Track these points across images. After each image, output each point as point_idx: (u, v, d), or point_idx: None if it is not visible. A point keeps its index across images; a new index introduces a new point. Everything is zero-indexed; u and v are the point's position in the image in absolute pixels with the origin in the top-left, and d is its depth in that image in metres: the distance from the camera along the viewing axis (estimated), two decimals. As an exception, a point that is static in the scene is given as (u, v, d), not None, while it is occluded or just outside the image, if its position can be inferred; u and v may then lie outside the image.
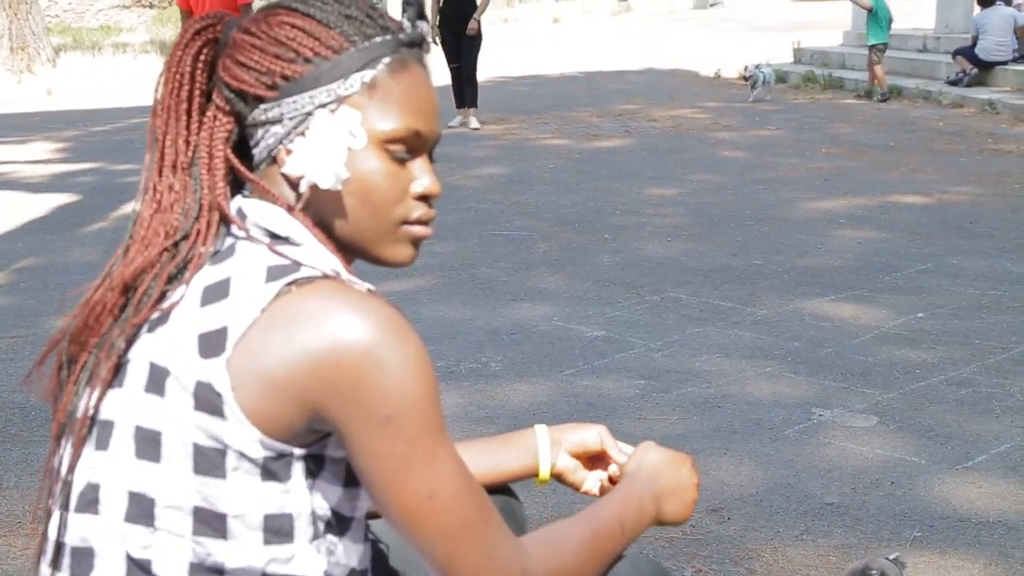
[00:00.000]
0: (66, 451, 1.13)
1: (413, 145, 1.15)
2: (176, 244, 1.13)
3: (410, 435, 1.04)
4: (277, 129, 1.13)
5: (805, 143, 8.68)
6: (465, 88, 9.93)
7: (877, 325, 4.26)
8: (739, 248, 5.52)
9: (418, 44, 1.17)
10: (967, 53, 11.24)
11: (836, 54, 13.50)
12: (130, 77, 14.83)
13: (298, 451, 1.07)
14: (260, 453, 1.05)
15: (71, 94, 13.74)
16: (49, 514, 1.14)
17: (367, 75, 1.12)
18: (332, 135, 1.11)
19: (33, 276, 5.32)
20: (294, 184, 1.14)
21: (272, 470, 1.06)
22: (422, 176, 1.16)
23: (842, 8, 16.81)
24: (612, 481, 1.46)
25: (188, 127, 1.16)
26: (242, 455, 1.05)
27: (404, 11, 1.19)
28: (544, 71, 14.62)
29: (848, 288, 4.77)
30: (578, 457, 1.47)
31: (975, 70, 11.16)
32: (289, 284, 1.06)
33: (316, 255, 1.11)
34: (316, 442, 1.08)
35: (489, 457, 1.46)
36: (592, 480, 1.48)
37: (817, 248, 5.50)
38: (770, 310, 4.48)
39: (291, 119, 1.13)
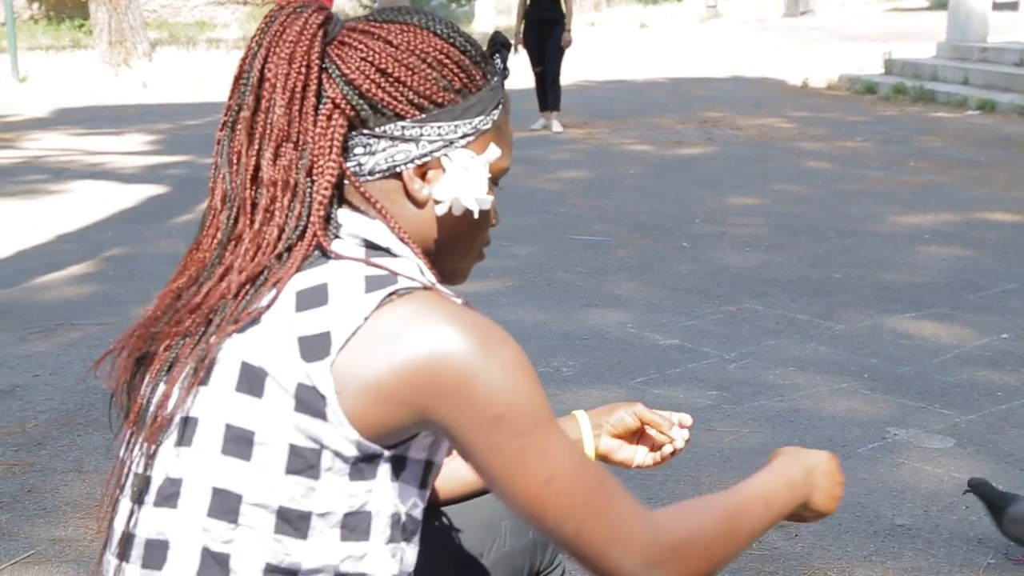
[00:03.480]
0: (139, 445, 1.14)
1: (501, 178, 1.24)
2: (280, 255, 1.12)
3: (521, 429, 1.08)
4: (410, 148, 1.16)
5: (893, 156, 8.53)
6: (548, 91, 9.94)
7: (958, 344, 4.17)
8: (819, 260, 5.45)
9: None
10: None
11: (928, 66, 13.24)
12: (223, 72, 15.14)
13: (387, 452, 1.10)
14: (353, 453, 1.08)
15: (165, 88, 14.07)
16: (116, 504, 1.16)
17: (496, 114, 1.21)
18: (479, 166, 1.18)
19: (121, 265, 5.47)
20: (418, 201, 1.17)
21: (360, 469, 1.09)
22: (496, 207, 1.26)
23: (937, 18, 16.48)
24: (660, 452, 1.51)
25: (301, 124, 1.14)
26: (337, 455, 1.08)
27: (497, 51, 1.24)
28: (629, 76, 14.57)
29: (930, 305, 4.69)
30: (620, 437, 1.52)
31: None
32: (390, 294, 1.08)
33: (413, 266, 1.14)
34: (402, 443, 1.11)
35: None
36: (642, 454, 1.52)
37: (900, 263, 5.41)
38: (848, 325, 4.42)
39: (431, 143, 1.16)
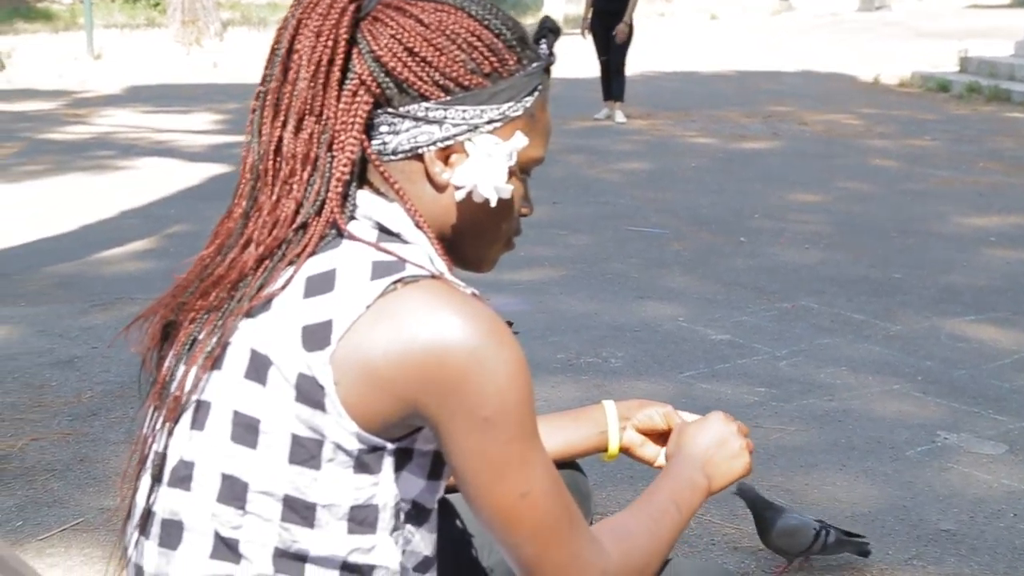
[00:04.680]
0: (159, 423, 1.15)
1: (534, 168, 1.21)
2: (297, 230, 1.11)
3: (506, 437, 1.07)
4: (433, 130, 1.13)
5: (963, 155, 8.38)
6: (613, 81, 9.89)
7: (1017, 350, 4.09)
8: (879, 260, 5.37)
9: (549, 72, 1.21)
10: None
11: (1005, 64, 12.94)
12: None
13: (391, 445, 1.09)
14: (355, 446, 1.07)
15: (236, 67, 14.23)
16: (138, 480, 1.18)
17: (529, 101, 1.17)
18: (501, 154, 1.14)
19: (182, 242, 5.56)
20: (438, 185, 1.15)
21: (364, 462, 1.08)
22: (529, 197, 1.24)
23: (1017, 16, 16.11)
24: None
25: (325, 98, 1.12)
26: (338, 447, 1.07)
27: (543, 36, 1.21)
28: (696, 68, 14.45)
29: (990, 309, 4.60)
30: (645, 433, 1.50)
31: None
32: (395, 282, 1.06)
33: (423, 255, 1.12)
34: (407, 436, 1.10)
35: (558, 433, 1.48)
36: (664, 456, 1.49)
37: (962, 265, 5.31)
38: (905, 326, 4.36)
39: (455, 126, 1.13)
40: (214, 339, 1.11)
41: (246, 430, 1.09)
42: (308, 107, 1.12)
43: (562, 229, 5.65)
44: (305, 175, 1.12)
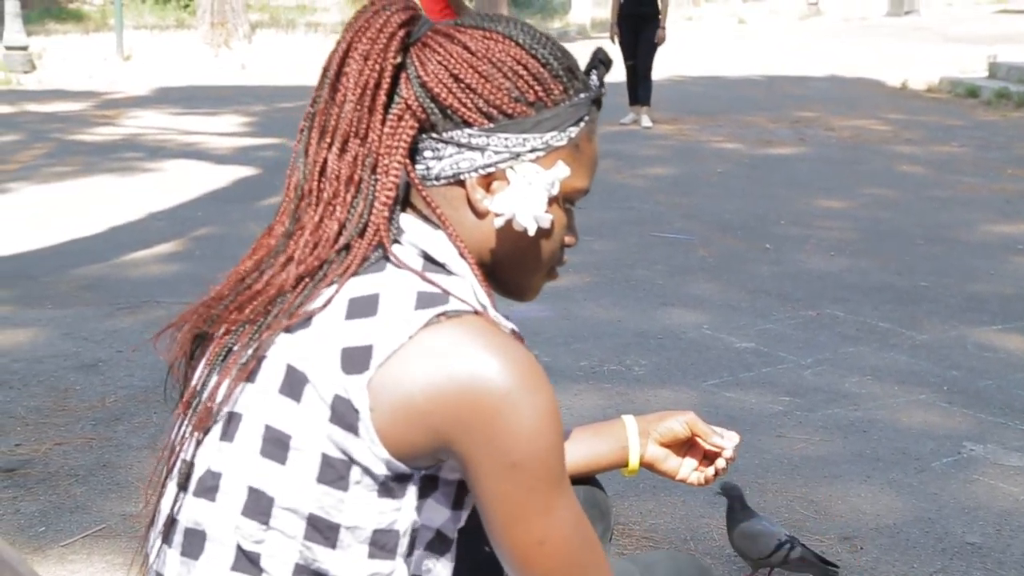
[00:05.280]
0: (188, 432, 1.16)
1: (579, 199, 1.22)
2: (339, 252, 1.13)
3: (531, 483, 1.08)
4: (475, 156, 1.15)
5: (990, 162, 8.31)
6: (639, 86, 9.88)
7: (1045, 360, 4.05)
8: (905, 267, 5.33)
9: (600, 103, 1.22)
10: None
11: (1035, 70, 12.83)
12: (320, 55, 15.34)
13: (417, 472, 1.09)
14: (383, 471, 1.08)
15: (263, 70, 14.31)
16: (163, 487, 1.18)
17: (573, 131, 1.17)
18: (542, 183, 1.15)
19: (209, 245, 5.59)
20: (479, 212, 1.16)
21: (389, 488, 1.09)
22: (573, 227, 1.25)
23: (1047, 22, 15.95)
24: (713, 467, 1.49)
25: (370, 121, 1.13)
26: (366, 471, 1.08)
27: (595, 67, 1.21)
28: (723, 72, 14.40)
29: (1018, 318, 4.55)
30: (668, 446, 1.49)
31: None
32: (439, 315, 1.07)
33: (467, 287, 1.13)
34: (434, 465, 1.11)
35: (579, 448, 1.48)
36: (687, 467, 1.50)
37: (989, 274, 5.27)
38: (931, 335, 4.32)
39: (496, 153, 1.15)
40: (249, 351, 1.12)
41: (276, 445, 1.09)
42: (354, 129, 1.13)
43: (587, 235, 5.62)
44: (348, 197, 1.13)
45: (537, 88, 1.15)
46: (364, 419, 1.06)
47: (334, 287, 1.11)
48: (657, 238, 5.86)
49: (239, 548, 1.11)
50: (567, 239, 1.24)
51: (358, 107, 1.13)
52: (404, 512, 1.10)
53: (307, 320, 1.10)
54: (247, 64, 14.86)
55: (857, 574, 2.56)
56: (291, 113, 10.52)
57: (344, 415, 1.06)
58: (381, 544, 1.10)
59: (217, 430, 1.13)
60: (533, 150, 1.15)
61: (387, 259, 1.12)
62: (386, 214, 1.12)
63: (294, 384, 1.09)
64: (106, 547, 2.62)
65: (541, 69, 1.15)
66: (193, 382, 1.17)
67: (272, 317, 1.12)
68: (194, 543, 1.13)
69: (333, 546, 1.09)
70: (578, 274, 5.02)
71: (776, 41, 18.57)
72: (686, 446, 1.50)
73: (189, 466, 1.15)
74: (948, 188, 7.34)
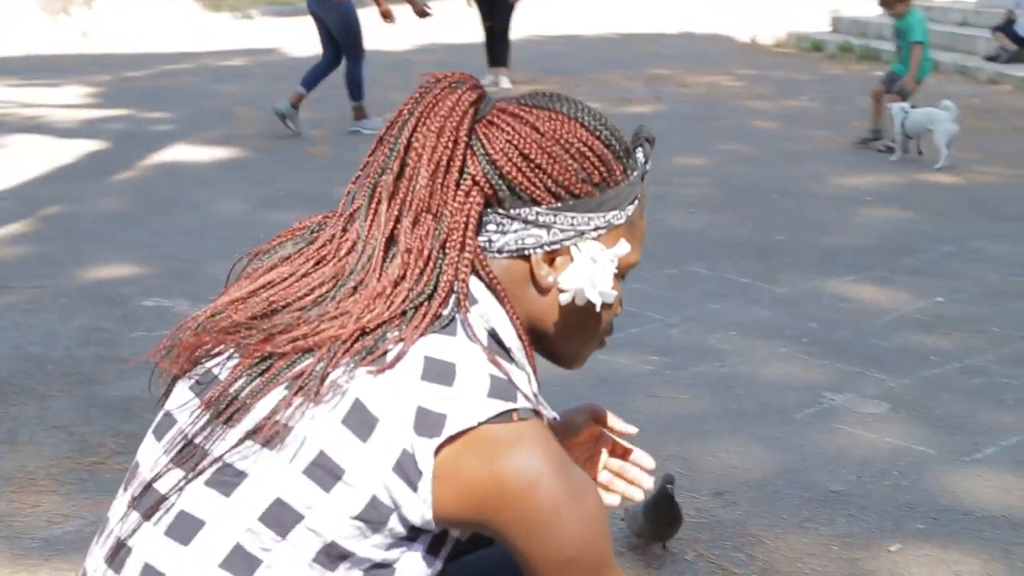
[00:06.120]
0: (208, 422, 1.14)
1: (631, 272, 1.28)
2: (406, 312, 1.15)
3: (589, 571, 1.16)
4: (541, 233, 1.19)
5: (837, 116, 8.59)
6: (497, 47, 9.87)
7: (895, 308, 4.24)
8: (762, 222, 5.49)
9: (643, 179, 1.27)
10: (1007, 30, 11.05)
11: (874, 24, 13.29)
12: (166, 22, 14.85)
13: (436, 528, 1.14)
14: (417, 524, 1.12)
15: (106, 37, 13.76)
16: (162, 467, 1.16)
17: (631, 210, 1.23)
18: (606, 260, 1.21)
19: (59, 224, 5.37)
20: (542, 287, 1.21)
21: (413, 535, 1.14)
22: (622, 298, 1.29)
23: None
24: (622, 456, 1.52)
25: (443, 197, 1.17)
26: (402, 521, 1.11)
27: (639, 144, 1.27)
28: (580, 31, 14.50)
29: (869, 269, 4.75)
30: (582, 443, 1.49)
31: (1014, 47, 10.97)
32: (511, 411, 1.11)
33: (525, 380, 1.16)
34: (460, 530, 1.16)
35: None
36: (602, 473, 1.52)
37: (841, 226, 5.47)
38: (789, 288, 4.47)
39: (563, 231, 1.19)
40: (318, 367, 1.12)
41: (326, 472, 1.10)
42: (426, 205, 1.17)
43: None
44: (417, 270, 1.16)
45: (602, 169, 1.20)
46: (425, 481, 1.09)
47: (402, 344, 1.12)
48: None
49: (239, 548, 1.11)
50: (620, 309, 1.30)
51: (431, 182, 1.16)
52: (408, 553, 1.14)
53: (382, 362, 1.11)
54: (89, 31, 14.27)
55: (729, 528, 2.64)
56: (139, 83, 10.16)
57: (407, 470, 1.09)
58: (375, 574, 1.14)
59: (260, 437, 1.11)
60: (596, 228, 1.21)
61: (457, 321, 1.15)
62: (466, 280, 1.16)
63: (363, 423, 1.10)
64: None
65: (605, 151, 1.20)
66: (225, 378, 1.16)
67: (328, 357, 1.12)
68: (186, 528, 1.12)
69: (333, 570, 1.12)
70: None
71: (629, -2, 18.75)
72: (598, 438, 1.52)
73: (202, 455, 1.13)
74: (799, 142, 7.57)
